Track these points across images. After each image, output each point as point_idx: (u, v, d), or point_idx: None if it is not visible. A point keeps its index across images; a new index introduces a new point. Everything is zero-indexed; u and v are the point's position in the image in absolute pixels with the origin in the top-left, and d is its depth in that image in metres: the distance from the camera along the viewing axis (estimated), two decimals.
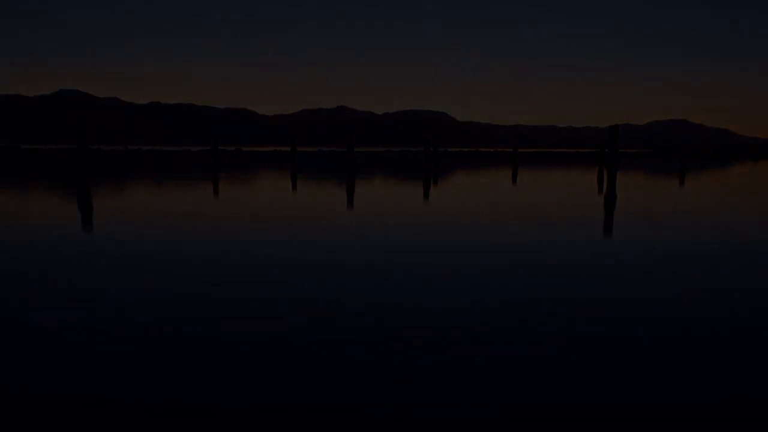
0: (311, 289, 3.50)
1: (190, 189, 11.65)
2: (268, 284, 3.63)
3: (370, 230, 5.98)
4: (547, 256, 4.61)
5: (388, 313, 3.02)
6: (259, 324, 2.82)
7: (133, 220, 6.74)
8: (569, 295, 3.40)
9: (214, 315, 2.97)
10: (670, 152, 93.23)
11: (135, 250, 4.81)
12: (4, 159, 35.25)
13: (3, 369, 2.26)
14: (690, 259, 4.50)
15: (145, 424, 1.82)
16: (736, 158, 50.66)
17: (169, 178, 15.35)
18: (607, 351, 2.47)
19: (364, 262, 4.31)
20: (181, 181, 14.03)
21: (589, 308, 3.12)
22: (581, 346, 2.53)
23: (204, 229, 5.99)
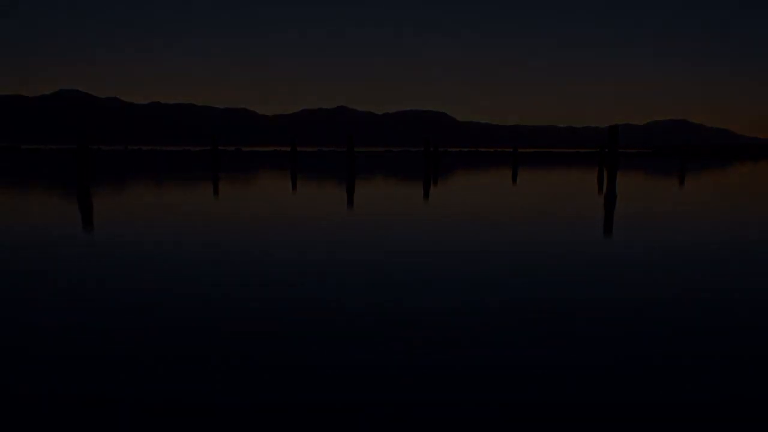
0: (311, 289, 3.50)
1: (190, 189, 11.65)
2: (268, 284, 3.63)
3: (370, 230, 5.98)
4: (547, 256, 4.61)
5: (388, 313, 3.02)
6: (259, 324, 2.82)
7: (133, 220, 6.74)
8: (569, 295, 3.40)
9: (214, 315, 2.97)
10: (670, 152, 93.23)
11: (135, 250, 4.81)
12: (4, 159, 35.26)
13: (3, 369, 2.26)
14: (690, 259, 4.50)
15: (145, 424, 1.82)
16: (736, 158, 50.67)
17: (169, 178, 15.35)
18: (607, 351, 2.47)
19: (364, 262, 4.31)
20: (181, 181, 14.04)
21: (589, 308, 3.12)
22: (581, 346, 2.53)
23: (204, 229, 5.99)
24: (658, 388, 2.10)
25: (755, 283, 3.74)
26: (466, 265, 4.24)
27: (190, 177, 16.06)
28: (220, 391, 2.07)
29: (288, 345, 2.53)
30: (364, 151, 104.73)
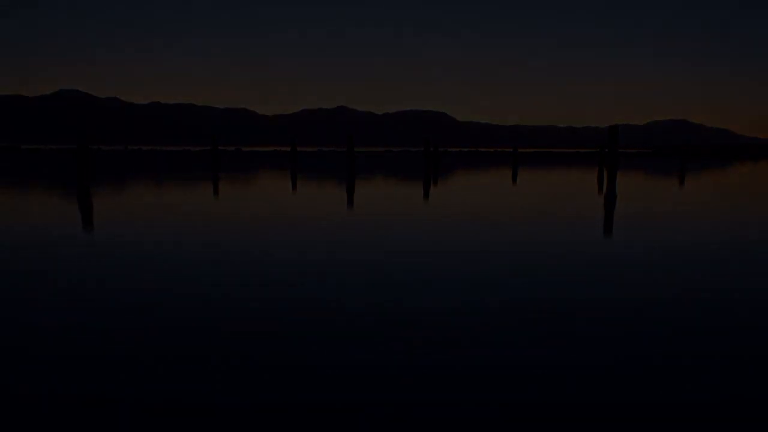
0: (311, 289, 3.50)
1: (190, 189, 11.65)
2: (268, 284, 3.63)
3: (370, 230, 5.98)
4: (547, 256, 4.61)
5: (388, 313, 3.02)
6: (259, 324, 2.82)
7: (133, 220, 6.74)
8: (569, 295, 3.40)
9: (214, 315, 2.97)
10: (670, 152, 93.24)
11: (135, 250, 4.82)
12: (4, 159, 35.26)
13: (3, 369, 2.26)
14: (690, 259, 4.50)
15: (145, 424, 1.82)
16: (736, 158, 50.66)
17: (169, 178, 15.35)
18: (607, 351, 2.47)
19: (364, 262, 4.31)
20: (181, 181, 14.04)
21: (589, 308, 3.12)
22: (581, 346, 2.53)
23: (204, 229, 5.99)
24: (658, 388, 2.10)
25: (755, 283, 3.74)
26: (466, 265, 4.24)
27: (190, 177, 16.06)
28: (220, 391, 2.07)
29: (288, 345, 2.53)
30: (364, 151, 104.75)
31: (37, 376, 2.18)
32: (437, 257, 4.53)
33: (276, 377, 2.18)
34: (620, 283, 3.71)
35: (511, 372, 2.25)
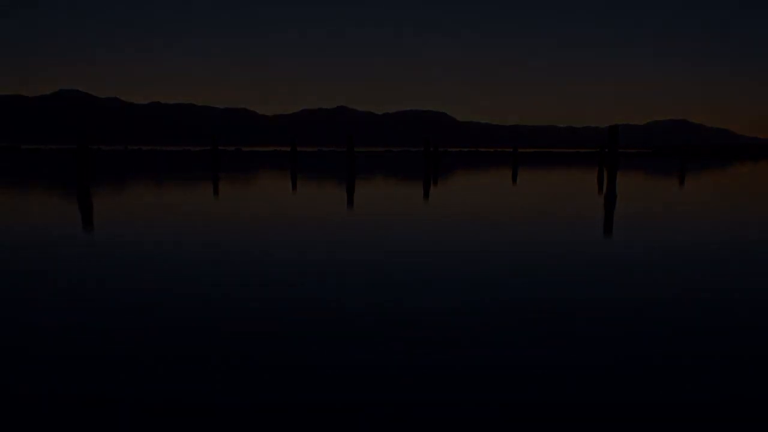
0: (311, 289, 3.50)
1: (190, 189, 11.65)
2: (268, 284, 3.63)
3: (370, 230, 5.98)
4: (547, 256, 4.61)
5: (388, 313, 3.02)
6: (259, 324, 2.82)
7: (133, 220, 6.74)
8: (569, 295, 3.40)
9: (214, 315, 2.97)
10: (670, 152, 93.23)
11: (135, 250, 4.82)
12: (4, 159, 35.25)
13: (3, 369, 2.26)
14: (690, 259, 4.50)
15: (145, 424, 1.82)
16: (736, 158, 50.66)
17: (169, 178, 15.35)
18: (607, 351, 2.47)
19: (364, 262, 4.31)
20: (181, 181, 14.03)
21: (589, 308, 3.12)
22: (581, 346, 2.53)
23: (204, 229, 5.99)
24: (658, 388, 2.10)
25: (755, 283, 3.74)
26: (466, 265, 4.24)
27: (190, 177, 16.06)
28: (220, 391, 2.07)
29: (288, 345, 2.53)
30: (364, 151, 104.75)
31: (37, 376, 2.18)
32: (437, 257, 4.53)
33: (276, 377, 2.18)
34: (620, 283, 3.71)
35: (511, 372, 2.25)
